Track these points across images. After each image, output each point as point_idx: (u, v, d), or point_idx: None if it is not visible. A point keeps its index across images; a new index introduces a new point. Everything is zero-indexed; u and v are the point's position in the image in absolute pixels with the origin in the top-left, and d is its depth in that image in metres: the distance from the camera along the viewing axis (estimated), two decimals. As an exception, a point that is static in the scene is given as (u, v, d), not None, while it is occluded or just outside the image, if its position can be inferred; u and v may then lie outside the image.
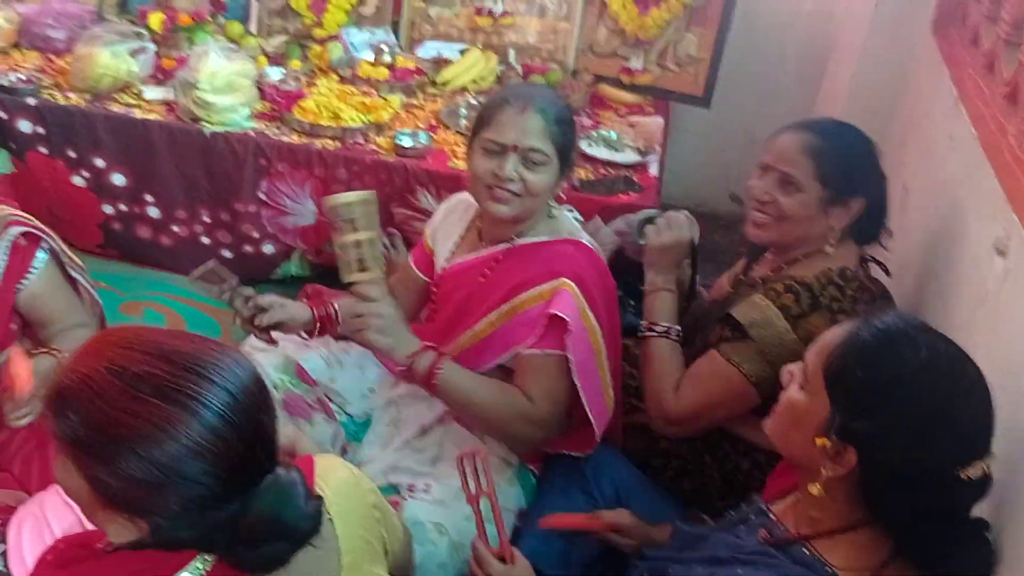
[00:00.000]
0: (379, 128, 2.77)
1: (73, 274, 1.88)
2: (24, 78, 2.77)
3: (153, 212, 2.85)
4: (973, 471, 1.09)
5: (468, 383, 1.75)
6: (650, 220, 1.97)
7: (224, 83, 2.70)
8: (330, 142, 2.70)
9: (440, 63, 3.13)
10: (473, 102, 2.93)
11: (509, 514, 1.76)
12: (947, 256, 1.86)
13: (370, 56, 3.06)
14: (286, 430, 1.22)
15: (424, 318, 2.06)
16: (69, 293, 1.89)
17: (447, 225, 1.99)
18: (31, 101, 2.71)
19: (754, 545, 1.24)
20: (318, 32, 3.20)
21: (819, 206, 1.74)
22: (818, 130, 1.78)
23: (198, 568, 1.02)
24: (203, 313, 2.83)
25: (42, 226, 1.85)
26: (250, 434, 1.02)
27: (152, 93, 2.82)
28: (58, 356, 1.73)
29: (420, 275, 2.01)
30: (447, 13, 3.23)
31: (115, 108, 2.75)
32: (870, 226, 1.81)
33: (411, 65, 3.08)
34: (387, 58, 3.04)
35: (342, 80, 3.04)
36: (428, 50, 3.19)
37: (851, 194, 1.74)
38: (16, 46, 3.02)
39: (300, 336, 1.91)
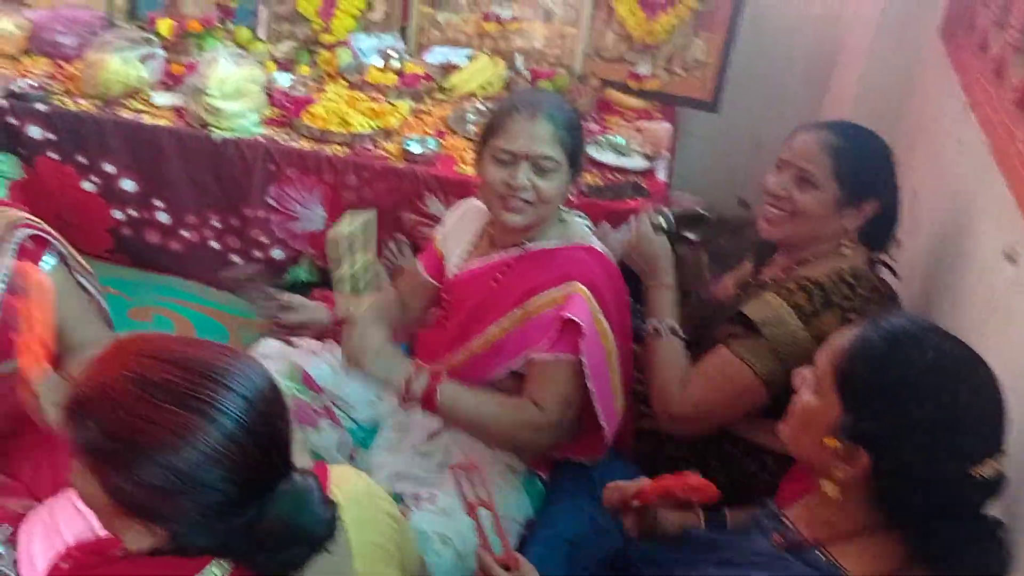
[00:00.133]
0: (388, 134, 2.78)
1: (81, 280, 1.89)
2: (35, 84, 2.78)
3: (163, 217, 2.86)
4: (985, 470, 1.09)
5: (469, 400, 1.75)
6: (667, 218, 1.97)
7: (233, 89, 2.71)
8: (339, 148, 2.71)
9: (448, 68, 3.14)
10: (481, 107, 2.95)
11: (515, 523, 1.76)
12: (956, 262, 1.86)
13: (379, 62, 3.07)
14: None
15: (434, 323, 2.07)
16: (80, 300, 1.89)
17: (458, 230, 2.00)
18: (41, 107, 2.73)
19: (768, 549, 1.24)
20: (326, 38, 3.21)
21: (833, 205, 1.75)
22: (839, 130, 1.79)
23: (215, 573, 1.03)
24: (211, 318, 2.84)
25: (51, 230, 1.86)
26: (267, 440, 1.03)
27: (162, 99, 2.83)
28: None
29: (430, 280, 2.02)
30: (455, 19, 3.24)
31: (125, 114, 2.76)
32: (880, 232, 1.82)
33: (419, 71, 3.09)
34: (395, 64, 3.06)
35: (351, 86, 3.05)
36: (436, 56, 3.20)
37: (866, 196, 1.75)
38: (27, 52, 3.04)
39: (315, 338, 1.91)
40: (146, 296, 2.89)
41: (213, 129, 2.70)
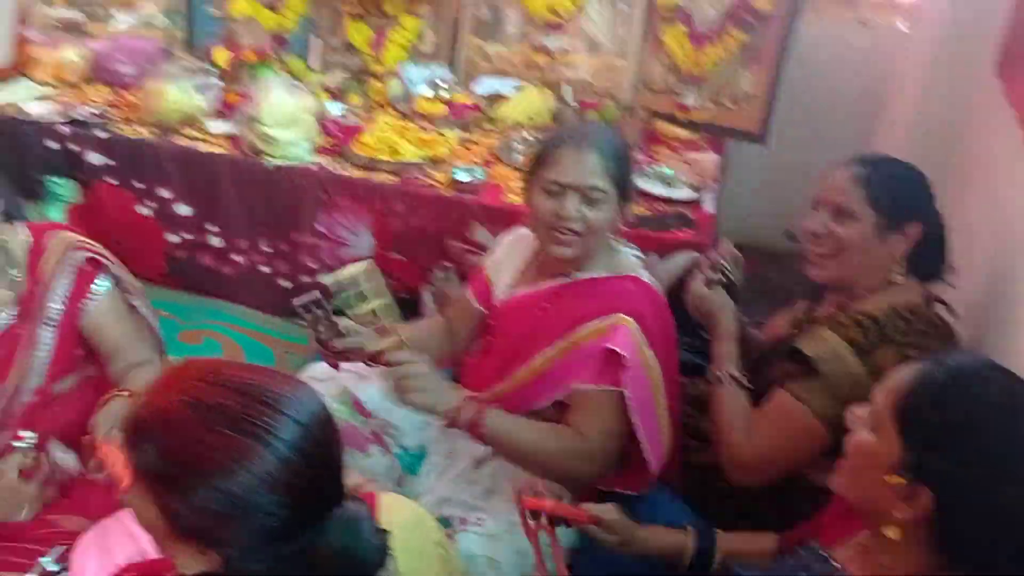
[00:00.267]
0: (436, 162, 2.81)
1: (134, 302, 1.93)
2: (95, 112, 2.87)
3: (215, 241, 2.91)
4: None
5: (514, 429, 1.74)
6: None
7: (286, 117, 2.76)
8: (388, 176, 2.74)
9: (496, 99, 3.17)
10: (528, 137, 2.96)
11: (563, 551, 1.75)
12: (1013, 301, 1.82)
13: (428, 92, 3.10)
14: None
15: (479, 351, 2.07)
16: (134, 324, 1.93)
17: (508, 257, 2.01)
18: (101, 134, 2.80)
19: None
20: (377, 68, 3.25)
21: (875, 233, 1.74)
22: (866, 161, 1.80)
23: (266, 599, 1.04)
24: (258, 342, 2.88)
25: (106, 253, 1.91)
26: (321, 465, 1.04)
27: (217, 127, 2.89)
28: (129, 398, 1.75)
29: (478, 306, 2.03)
30: (504, 50, 3.28)
31: (181, 141, 2.83)
32: (930, 259, 1.80)
33: (468, 101, 3.12)
34: (444, 94, 3.09)
35: (400, 115, 3.09)
36: (484, 86, 3.23)
37: (906, 219, 1.74)
38: (88, 81, 3.13)
39: (365, 363, 1.93)
40: (197, 319, 2.94)
41: (266, 157, 2.75)
